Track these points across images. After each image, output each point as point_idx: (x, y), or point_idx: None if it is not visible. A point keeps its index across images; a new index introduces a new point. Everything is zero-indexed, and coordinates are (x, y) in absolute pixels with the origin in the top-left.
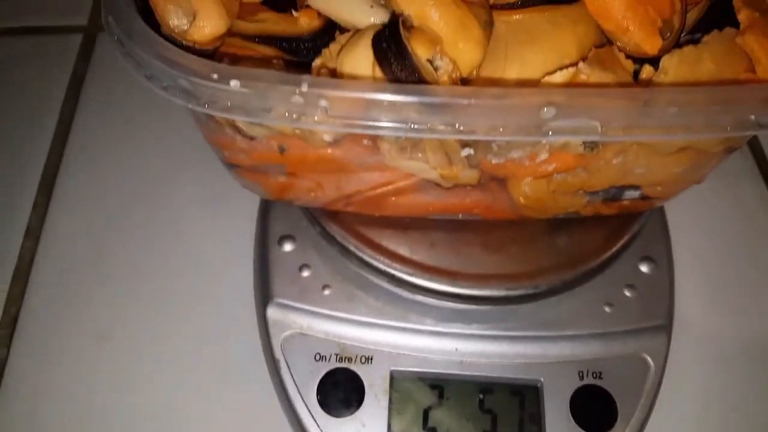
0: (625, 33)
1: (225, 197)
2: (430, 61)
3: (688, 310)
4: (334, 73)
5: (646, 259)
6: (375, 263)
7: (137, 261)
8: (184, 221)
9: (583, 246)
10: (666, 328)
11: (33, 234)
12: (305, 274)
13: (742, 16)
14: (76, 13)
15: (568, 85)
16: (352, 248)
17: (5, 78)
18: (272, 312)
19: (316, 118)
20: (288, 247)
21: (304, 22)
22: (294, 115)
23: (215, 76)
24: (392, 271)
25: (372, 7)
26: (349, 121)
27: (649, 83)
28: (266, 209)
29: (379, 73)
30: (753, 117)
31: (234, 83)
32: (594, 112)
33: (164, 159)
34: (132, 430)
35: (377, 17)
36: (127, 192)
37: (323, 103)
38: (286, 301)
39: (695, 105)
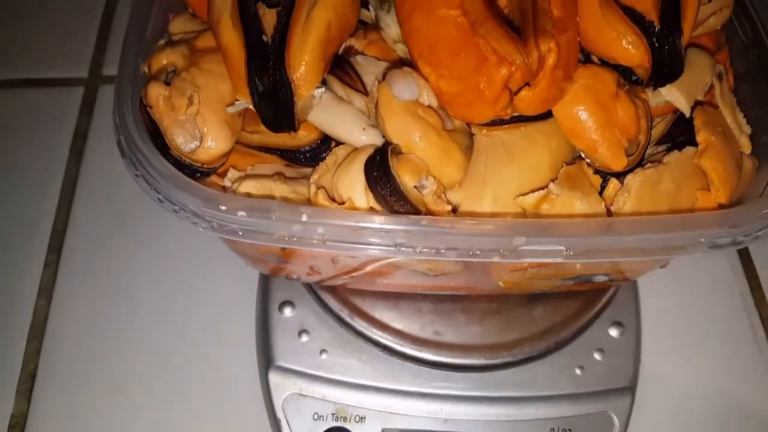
0: (594, 152)
1: (229, 264)
2: (417, 185)
3: (653, 371)
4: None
5: (616, 324)
6: (368, 333)
7: (146, 321)
8: (189, 282)
9: (557, 316)
10: (631, 388)
11: (46, 292)
12: (304, 339)
13: (700, 138)
14: (75, 64)
15: (539, 214)
16: (346, 318)
17: (7, 134)
18: (273, 375)
19: (314, 242)
20: (288, 312)
21: (302, 135)
22: (294, 239)
23: (223, 207)
24: (384, 341)
25: (365, 129)
26: (343, 244)
27: (613, 199)
28: (267, 276)
29: (371, 196)
30: (703, 240)
31: (241, 214)
32: (560, 239)
33: (170, 221)
34: None
35: (370, 138)
36: (134, 251)
37: (320, 230)
38: (286, 365)
39: (650, 233)
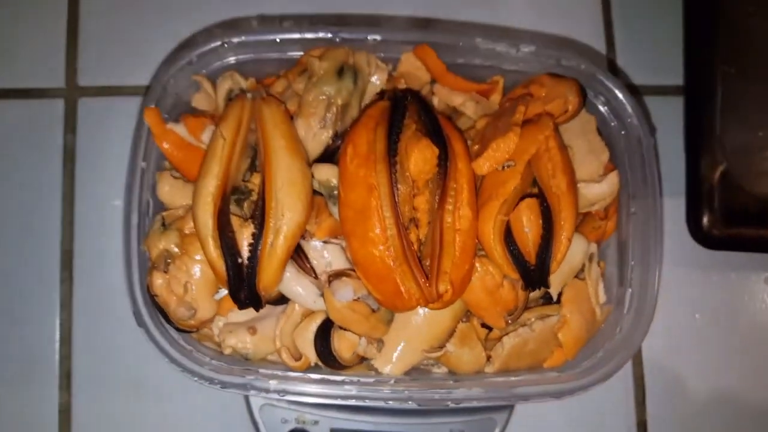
0: (483, 318)
1: None
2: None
3: None
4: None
5: None
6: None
7: None
8: None
9: None
10: (510, 405)
11: (66, 305)
12: None
13: (562, 312)
14: (50, 72)
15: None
16: None
17: None
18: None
19: (283, 395)
20: None
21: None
22: (268, 395)
23: (217, 383)
24: None
25: (315, 301)
26: (302, 397)
27: (493, 346)
28: None
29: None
30: (546, 396)
31: (228, 379)
32: (445, 397)
33: None
34: None
35: (320, 306)
36: None
37: (283, 394)
38: None
39: (507, 390)
